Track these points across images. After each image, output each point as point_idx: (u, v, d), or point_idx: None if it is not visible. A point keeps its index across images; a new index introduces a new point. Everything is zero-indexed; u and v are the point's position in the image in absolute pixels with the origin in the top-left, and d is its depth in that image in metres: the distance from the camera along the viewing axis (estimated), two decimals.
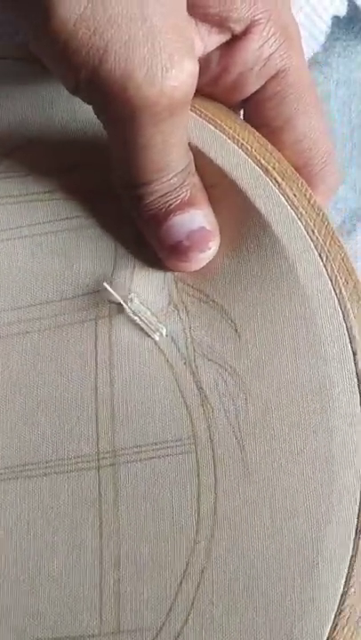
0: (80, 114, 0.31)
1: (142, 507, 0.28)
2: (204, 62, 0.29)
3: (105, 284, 0.29)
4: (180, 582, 0.27)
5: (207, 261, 0.29)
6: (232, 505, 0.27)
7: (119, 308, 0.29)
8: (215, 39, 0.29)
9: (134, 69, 0.24)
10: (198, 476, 0.28)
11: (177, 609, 0.27)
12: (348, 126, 0.37)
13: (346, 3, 0.37)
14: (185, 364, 0.29)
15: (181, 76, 0.25)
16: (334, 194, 0.31)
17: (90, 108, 0.27)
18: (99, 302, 0.30)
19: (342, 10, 0.37)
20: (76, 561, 0.28)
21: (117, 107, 0.25)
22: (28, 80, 0.31)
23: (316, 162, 0.30)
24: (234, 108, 0.31)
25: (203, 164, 0.30)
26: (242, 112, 0.31)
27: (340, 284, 0.28)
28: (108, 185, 0.30)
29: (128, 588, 0.27)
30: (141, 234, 0.30)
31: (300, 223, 0.29)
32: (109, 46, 0.24)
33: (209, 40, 0.29)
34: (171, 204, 0.28)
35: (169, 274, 0.30)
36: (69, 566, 0.28)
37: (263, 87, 0.29)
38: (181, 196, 0.29)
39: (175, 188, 0.28)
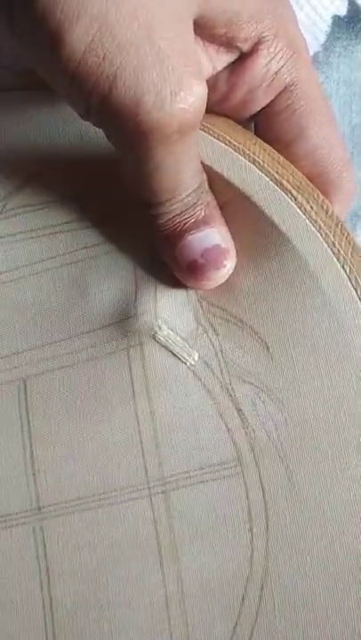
0: (88, 138, 0.31)
1: (198, 530, 0.28)
2: (213, 81, 0.29)
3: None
4: (243, 598, 0.28)
5: (224, 279, 0.29)
6: (283, 522, 0.28)
7: (149, 336, 0.30)
8: (223, 59, 0.29)
9: (144, 94, 0.25)
10: (247, 496, 0.28)
11: (242, 624, 0.28)
12: (348, 126, 0.37)
13: (346, 2, 0.36)
14: (221, 387, 0.29)
15: (190, 98, 0.25)
16: (352, 201, 0.31)
17: (97, 132, 0.27)
18: (127, 331, 0.30)
19: (343, 9, 0.36)
20: (142, 588, 0.28)
21: (128, 131, 0.26)
22: (31, 109, 0.31)
23: (332, 170, 0.30)
24: (244, 123, 0.31)
25: (216, 182, 0.30)
26: (252, 126, 0.31)
27: None
28: (121, 208, 0.30)
29: (195, 612, 0.28)
30: (158, 254, 0.30)
31: (319, 236, 0.29)
32: (119, 72, 0.25)
33: (217, 60, 0.29)
34: (185, 223, 0.29)
35: (192, 294, 0.30)
36: (136, 595, 0.28)
37: (273, 102, 0.29)
38: (196, 214, 0.29)
39: (189, 208, 0.29)
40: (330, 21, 0.36)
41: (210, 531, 0.28)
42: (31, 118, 0.31)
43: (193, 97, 0.25)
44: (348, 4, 0.36)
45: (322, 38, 0.36)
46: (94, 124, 0.27)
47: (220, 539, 0.28)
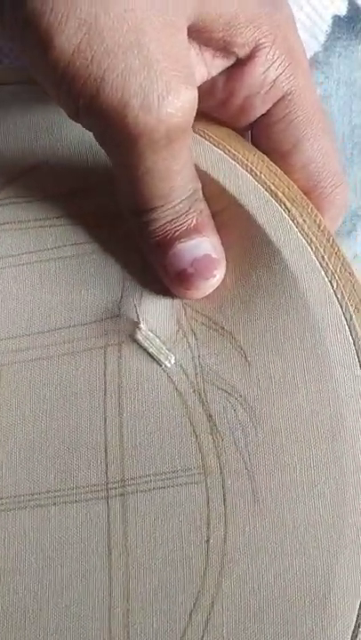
0: (84, 136, 0.30)
1: (152, 537, 0.28)
2: (210, 87, 0.29)
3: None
4: (190, 614, 0.27)
5: (213, 289, 0.29)
6: (242, 536, 0.27)
7: (128, 336, 0.29)
8: (220, 64, 0.28)
9: (131, 97, 0.25)
10: (208, 506, 0.28)
11: None
12: (348, 126, 0.37)
13: (346, 2, 0.36)
14: (194, 392, 0.29)
15: (178, 103, 0.25)
16: (343, 216, 0.31)
17: None
18: (108, 330, 0.29)
19: (343, 9, 0.36)
20: (85, 592, 0.28)
21: (116, 134, 0.25)
22: (31, 104, 0.31)
23: (326, 184, 0.30)
24: (240, 131, 0.30)
25: (211, 189, 0.29)
26: (249, 135, 0.31)
27: (351, 311, 0.28)
28: (113, 208, 0.30)
29: (138, 620, 0.27)
30: (147, 259, 0.30)
31: (310, 249, 0.29)
32: (106, 75, 0.24)
33: (213, 65, 0.28)
34: (176, 231, 0.28)
35: (177, 299, 0.30)
36: (78, 597, 0.27)
37: (270, 111, 0.29)
38: (187, 222, 0.28)
39: (181, 215, 0.28)
40: (330, 21, 0.36)
41: (164, 538, 0.28)
42: (30, 112, 0.31)
43: (181, 102, 0.25)
44: (348, 4, 0.36)
45: (322, 38, 0.36)
46: (84, 126, 0.26)
47: (174, 548, 0.28)
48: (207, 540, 0.27)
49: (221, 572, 0.27)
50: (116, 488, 0.28)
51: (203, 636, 0.27)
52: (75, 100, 0.25)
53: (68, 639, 0.27)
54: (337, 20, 0.36)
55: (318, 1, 0.36)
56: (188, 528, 0.28)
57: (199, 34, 0.27)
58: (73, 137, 0.31)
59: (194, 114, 0.26)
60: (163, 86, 0.25)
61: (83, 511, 0.28)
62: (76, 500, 0.28)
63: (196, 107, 0.26)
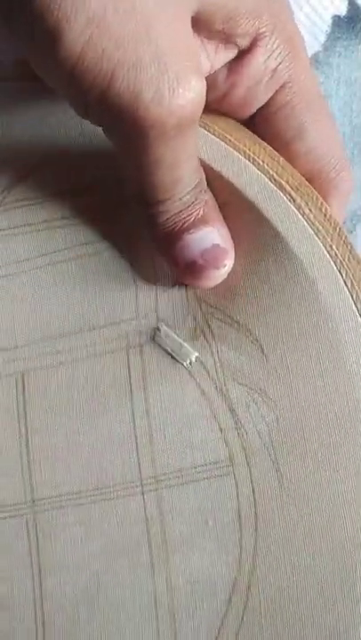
0: (88, 132, 0.30)
1: (188, 528, 0.29)
2: (212, 80, 0.29)
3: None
4: (230, 598, 0.28)
5: (223, 278, 0.29)
6: (271, 522, 0.28)
7: (149, 337, 0.30)
8: (222, 57, 0.29)
9: (142, 90, 0.25)
10: (238, 496, 0.29)
11: (228, 624, 0.28)
12: (349, 126, 0.37)
13: (346, 2, 0.36)
14: (216, 388, 0.29)
15: (189, 94, 0.25)
16: (348, 201, 0.31)
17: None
18: (128, 332, 0.30)
19: (343, 9, 0.36)
20: (131, 585, 0.29)
21: (127, 127, 0.26)
22: (34, 100, 0.31)
23: (330, 169, 0.30)
24: (244, 122, 0.30)
25: (215, 182, 0.30)
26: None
27: None
28: (121, 204, 0.30)
29: (182, 607, 0.28)
30: (157, 252, 0.30)
31: (317, 239, 0.29)
32: (117, 69, 0.25)
33: (216, 58, 0.29)
34: (184, 223, 0.29)
35: (191, 294, 0.30)
36: (127, 591, 0.29)
37: (272, 99, 0.29)
38: (194, 213, 0.29)
39: (188, 206, 0.29)
40: (330, 21, 0.36)
41: (200, 529, 0.29)
42: (33, 110, 0.31)
43: (191, 93, 0.25)
44: (348, 4, 0.36)
45: (322, 38, 0.36)
46: (92, 122, 0.27)
47: (210, 537, 0.29)
48: (240, 529, 0.29)
49: (255, 557, 0.28)
50: (150, 484, 0.29)
51: (243, 617, 0.28)
52: (85, 95, 0.25)
53: (119, 632, 0.29)
54: (337, 20, 0.36)
55: (318, 1, 0.36)
56: (221, 518, 0.29)
57: (202, 26, 0.28)
58: (76, 132, 0.31)
59: (203, 104, 0.26)
60: (173, 78, 0.25)
61: (121, 508, 0.29)
62: (113, 498, 0.29)
63: (204, 97, 0.26)
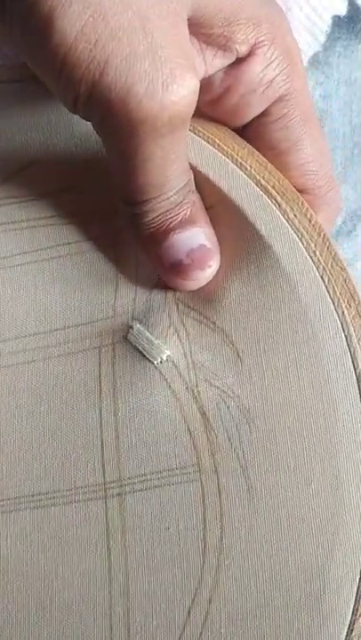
0: (78, 133, 0.30)
1: (149, 536, 0.28)
2: (207, 83, 0.29)
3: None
4: (189, 611, 0.27)
5: (208, 280, 0.29)
6: (238, 533, 0.27)
7: (122, 337, 0.29)
8: (219, 62, 0.28)
9: (135, 83, 0.24)
10: (204, 503, 0.28)
11: (186, 637, 0.27)
12: (348, 126, 0.37)
13: (346, 2, 0.36)
14: (187, 389, 0.29)
15: (182, 91, 0.25)
16: (336, 218, 0.31)
17: (88, 126, 0.27)
18: (102, 331, 0.30)
19: (343, 9, 0.36)
20: (87, 591, 0.28)
21: (117, 121, 0.25)
22: (25, 102, 0.31)
23: (323, 184, 0.30)
24: (235, 132, 0.30)
25: (202, 185, 0.29)
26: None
27: (343, 307, 0.28)
28: (105, 204, 0.30)
29: (138, 618, 0.27)
30: (140, 252, 0.30)
31: (301, 244, 0.29)
32: (110, 60, 0.24)
33: (213, 63, 0.28)
34: (171, 222, 0.28)
35: (170, 294, 0.30)
36: (80, 596, 0.28)
37: (269, 110, 0.29)
38: (182, 213, 0.28)
39: (175, 206, 0.28)
40: (330, 21, 0.36)
41: (161, 537, 0.28)
42: (23, 111, 0.31)
43: (185, 90, 0.25)
44: (348, 4, 0.36)
45: (322, 38, 0.36)
46: (82, 117, 0.26)
47: (171, 546, 0.28)
48: (204, 538, 0.28)
49: (218, 569, 0.27)
50: (113, 488, 0.28)
51: (201, 633, 0.27)
52: (76, 86, 0.25)
53: (71, 637, 0.28)
54: (337, 21, 0.36)
55: (318, 1, 0.36)
56: (185, 526, 0.28)
57: (200, 29, 0.27)
58: (66, 134, 0.31)
59: (195, 103, 0.26)
60: (167, 73, 0.25)
61: (82, 511, 0.28)
62: (74, 501, 0.28)
63: (197, 96, 0.26)
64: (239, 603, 0.27)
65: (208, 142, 0.30)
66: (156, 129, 0.25)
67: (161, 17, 0.25)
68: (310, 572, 0.27)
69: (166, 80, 0.25)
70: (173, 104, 0.25)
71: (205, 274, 0.29)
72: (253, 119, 0.30)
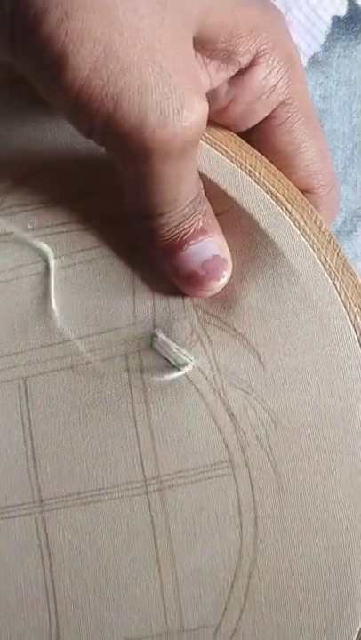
0: (79, 139, 0.30)
1: (191, 524, 0.30)
2: (212, 95, 0.29)
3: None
4: (232, 585, 0.30)
5: (222, 287, 0.30)
6: (270, 518, 0.30)
7: (147, 344, 0.31)
8: (223, 75, 0.29)
9: (148, 113, 0.25)
10: (238, 495, 0.30)
11: (231, 608, 0.30)
12: (348, 126, 0.37)
13: (346, 3, 0.36)
14: (214, 392, 0.30)
15: (193, 116, 0.26)
16: (334, 218, 0.31)
17: None
18: (127, 339, 0.31)
19: (342, 10, 0.36)
20: (138, 573, 0.30)
21: (131, 149, 0.26)
22: (32, 105, 0.31)
23: (325, 183, 0.31)
24: (241, 135, 0.31)
25: (212, 192, 0.30)
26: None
27: (355, 312, 0.30)
28: (118, 210, 0.30)
29: (188, 595, 0.30)
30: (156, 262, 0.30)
31: (312, 251, 0.30)
32: (123, 93, 0.25)
33: (216, 76, 0.29)
34: (185, 234, 0.29)
35: (188, 301, 0.31)
36: (132, 579, 0.30)
37: (273, 115, 0.30)
38: (194, 224, 0.29)
39: (187, 218, 0.29)
40: (329, 22, 0.36)
41: (202, 525, 0.30)
42: (30, 115, 0.31)
43: (195, 114, 0.26)
44: (348, 5, 0.36)
45: (322, 39, 0.36)
46: (96, 143, 0.27)
47: (212, 532, 0.30)
48: (240, 524, 0.30)
49: (255, 549, 0.30)
50: (153, 484, 0.30)
51: (244, 604, 0.30)
52: (91, 120, 0.26)
53: (128, 614, 0.30)
54: (336, 21, 0.36)
55: (318, 2, 0.36)
56: (223, 515, 0.30)
57: (204, 45, 0.28)
58: (73, 137, 0.31)
59: (205, 125, 0.27)
60: (177, 100, 0.25)
61: (127, 506, 0.30)
62: (119, 497, 0.31)
63: (206, 118, 0.27)
64: (276, 577, 0.30)
65: (217, 150, 0.30)
66: (169, 153, 0.26)
67: (167, 45, 0.25)
68: (337, 549, 0.30)
69: (177, 107, 0.25)
70: (185, 129, 0.26)
71: (220, 283, 0.30)
72: (257, 124, 0.30)
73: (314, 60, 0.36)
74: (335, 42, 0.36)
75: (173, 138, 0.26)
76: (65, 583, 0.30)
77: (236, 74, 0.29)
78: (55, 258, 0.31)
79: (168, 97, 0.25)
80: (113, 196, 0.30)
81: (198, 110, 0.26)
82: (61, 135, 0.31)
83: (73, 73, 0.25)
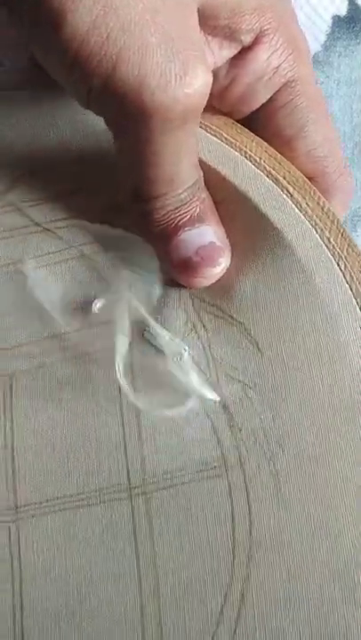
0: (85, 134, 0.30)
1: (177, 534, 0.27)
2: (213, 73, 0.28)
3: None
4: (222, 609, 0.26)
5: (218, 277, 0.29)
6: (267, 527, 0.27)
7: (138, 334, 0.29)
8: (225, 53, 0.29)
9: (147, 75, 0.24)
10: (231, 499, 0.27)
11: (220, 636, 0.26)
12: (349, 125, 0.37)
13: (346, 2, 0.36)
14: (208, 383, 0.28)
15: (195, 83, 0.25)
16: (349, 203, 0.31)
17: (94, 128, 0.27)
18: (118, 330, 0.29)
19: (343, 9, 0.37)
20: (116, 592, 0.27)
21: (130, 114, 0.25)
22: (29, 106, 0.31)
23: (333, 170, 0.30)
24: (243, 120, 0.30)
25: (212, 179, 0.29)
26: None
27: None
28: (113, 205, 0.30)
29: (170, 618, 0.27)
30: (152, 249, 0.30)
31: (315, 232, 0.29)
32: (122, 53, 0.24)
33: (219, 54, 0.29)
34: (180, 220, 0.28)
35: (184, 290, 0.30)
36: (110, 598, 0.27)
37: (274, 97, 0.29)
38: (191, 211, 0.28)
39: (185, 204, 0.28)
40: (330, 21, 0.36)
41: (190, 535, 0.27)
42: (28, 115, 0.31)
43: (198, 82, 0.25)
44: (349, 4, 0.36)
45: (322, 38, 0.36)
46: (94, 111, 0.26)
47: (201, 544, 0.27)
48: (233, 534, 0.27)
49: (249, 563, 0.27)
50: (138, 487, 0.28)
51: (235, 629, 0.26)
52: (88, 80, 0.25)
53: None
54: (337, 21, 0.36)
55: (318, 1, 0.36)
56: (213, 522, 0.27)
57: (206, 20, 0.27)
58: (69, 135, 0.31)
59: (207, 95, 0.26)
60: (180, 65, 0.24)
61: (107, 512, 0.28)
62: (100, 502, 0.28)
63: (210, 88, 0.25)
64: (272, 595, 0.26)
65: (215, 136, 0.30)
66: (169, 121, 0.25)
67: (170, 10, 0.25)
68: (341, 558, 0.26)
69: (179, 72, 0.24)
70: (186, 96, 0.25)
71: (215, 271, 0.29)
72: (259, 107, 0.30)
73: (314, 60, 0.36)
74: (336, 41, 0.36)
75: (174, 104, 0.25)
76: (34, 602, 0.27)
77: (239, 53, 0.29)
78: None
79: (170, 60, 0.24)
80: (106, 191, 0.30)
81: (201, 78, 0.25)
82: (55, 134, 0.31)
83: (71, 30, 0.24)
